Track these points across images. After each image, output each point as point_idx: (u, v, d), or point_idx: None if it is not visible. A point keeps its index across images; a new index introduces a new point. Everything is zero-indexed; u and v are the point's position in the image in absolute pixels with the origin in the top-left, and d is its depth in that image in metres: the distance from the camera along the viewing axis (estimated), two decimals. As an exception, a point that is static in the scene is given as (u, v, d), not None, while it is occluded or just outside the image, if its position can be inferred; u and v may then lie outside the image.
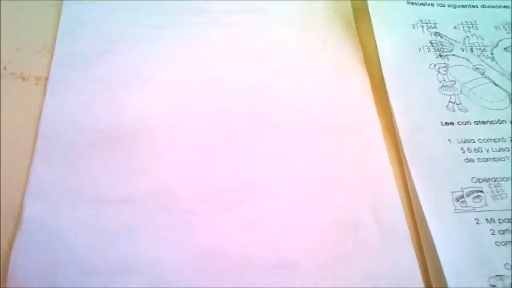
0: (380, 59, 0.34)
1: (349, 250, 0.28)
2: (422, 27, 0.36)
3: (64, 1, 0.36)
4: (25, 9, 0.36)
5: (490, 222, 0.28)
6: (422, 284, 0.27)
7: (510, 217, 0.28)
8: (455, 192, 0.29)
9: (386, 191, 0.30)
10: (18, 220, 0.28)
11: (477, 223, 0.28)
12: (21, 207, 0.28)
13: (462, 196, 0.29)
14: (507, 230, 0.28)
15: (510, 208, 0.29)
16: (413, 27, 0.36)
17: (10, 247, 0.27)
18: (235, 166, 0.30)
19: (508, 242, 0.28)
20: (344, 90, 0.34)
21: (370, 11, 0.36)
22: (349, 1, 0.39)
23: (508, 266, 0.27)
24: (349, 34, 0.37)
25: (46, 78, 0.33)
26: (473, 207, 0.29)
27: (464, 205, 0.29)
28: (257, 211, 0.29)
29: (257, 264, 0.27)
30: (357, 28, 0.37)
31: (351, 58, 0.36)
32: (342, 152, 0.31)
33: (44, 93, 0.32)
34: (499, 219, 0.28)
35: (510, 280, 0.27)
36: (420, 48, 0.35)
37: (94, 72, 0.34)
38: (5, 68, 0.33)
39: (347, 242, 0.28)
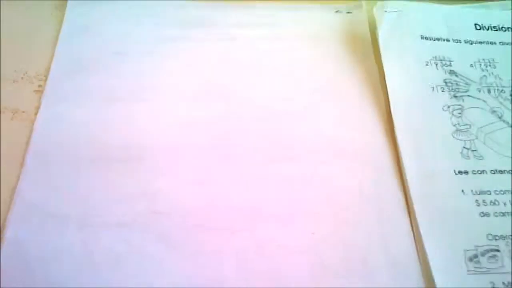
0: (389, 97, 0.32)
1: None
2: (436, 65, 0.34)
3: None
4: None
5: (507, 287, 0.25)
6: None
7: (530, 281, 0.26)
8: (468, 250, 0.26)
9: (398, 232, 0.28)
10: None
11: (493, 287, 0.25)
12: (1, 228, 0.26)
13: (476, 256, 0.26)
14: (527, 297, 0.25)
15: (530, 271, 0.26)
16: (426, 64, 0.34)
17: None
18: (243, 188, 0.29)
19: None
20: (357, 112, 0.32)
21: (380, 45, 0.34)
22: (367, 21, 0.37)
23: None
24: (365, 53, 0.35)
25: (23, 112, 0.31)
26: (488, 269, 0.26)
27: (478, 265, 0.26)
28: (263, 237, 0.27)
29: None
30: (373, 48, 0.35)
31: (366, 79, 0.34)
32: (352, 181, 0.29)
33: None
34: (518, 284, 0.25)
35: None
36: (433, 88, 0.32)
37: (93, 83, 0.32)
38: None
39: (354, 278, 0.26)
